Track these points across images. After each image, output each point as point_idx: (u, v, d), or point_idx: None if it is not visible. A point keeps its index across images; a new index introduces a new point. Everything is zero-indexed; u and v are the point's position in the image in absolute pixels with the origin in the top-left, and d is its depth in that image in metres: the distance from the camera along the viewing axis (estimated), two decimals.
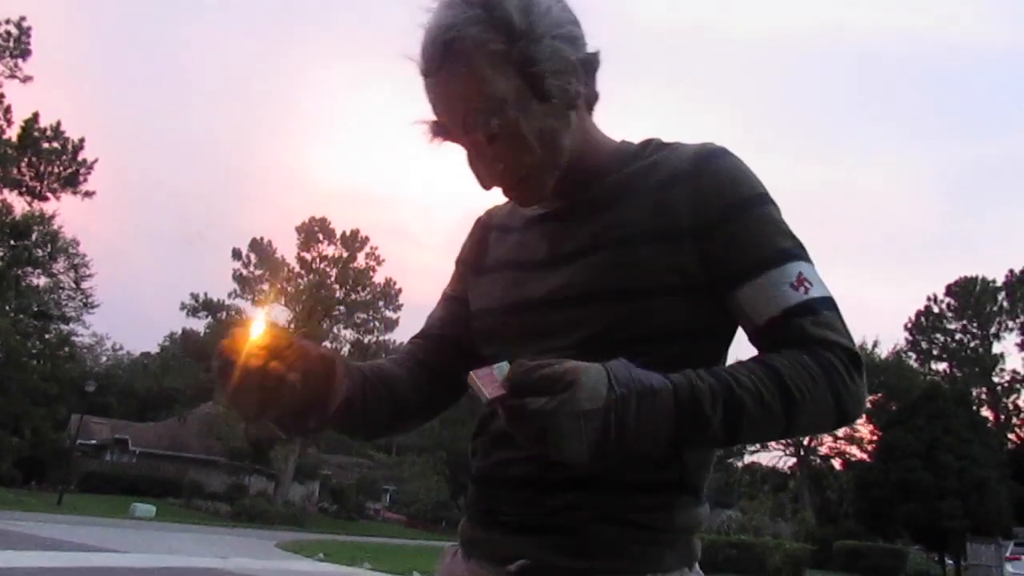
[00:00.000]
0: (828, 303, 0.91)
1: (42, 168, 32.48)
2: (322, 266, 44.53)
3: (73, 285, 38.27)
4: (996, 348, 45.57)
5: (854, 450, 43.56)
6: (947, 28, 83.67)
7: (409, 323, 42.05)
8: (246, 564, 12.48)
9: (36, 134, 31.81)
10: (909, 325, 47.53)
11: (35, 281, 36.28)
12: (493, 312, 1.04)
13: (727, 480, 46.23)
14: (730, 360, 0.99)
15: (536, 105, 0.91)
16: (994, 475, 28.72)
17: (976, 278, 46.80)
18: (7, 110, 30.94)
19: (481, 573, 0.99)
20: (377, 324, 44.58)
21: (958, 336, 46.69)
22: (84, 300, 38.89)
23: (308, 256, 44.60)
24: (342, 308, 45.07)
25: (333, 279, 44.60)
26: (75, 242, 37.37)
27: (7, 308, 32.83)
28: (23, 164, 32.02)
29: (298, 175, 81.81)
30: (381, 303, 44.65)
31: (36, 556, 10.16)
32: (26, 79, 30.71)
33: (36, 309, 35.22)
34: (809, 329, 0.88)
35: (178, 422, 38.98)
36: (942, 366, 47.04)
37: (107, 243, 78.94)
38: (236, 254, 43.60)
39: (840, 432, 44.22)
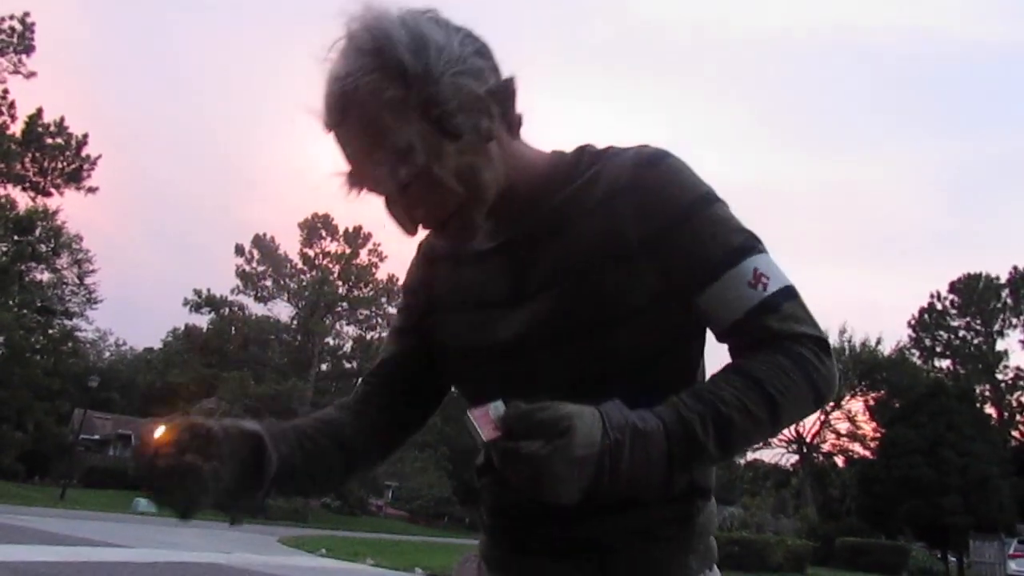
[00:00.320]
0: (787, 293, 0.90)
1: (46, 164, 32.55)
2: (325, 262, 44.59)
3: (76, 280, 38.47)
4: (999, 345, 45.66)
5: (857, 447, 43.55)
6: (950, 26, 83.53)
7: None
8: (249, 559, 12.49)
9: (40, 130, 31.88)
10: (912, 322, 47.55)
11: (39, 276, 36.48)
12: (465, 353, 1.02)
13: (729, 477, 46.28)
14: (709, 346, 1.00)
15: (448, 145, 0.89)
16: (997, 472, 28.69)
17: (980, 275, 46.80)
18: (11, 106, 31.03)
19: None
20: (380, 321, 44.64)
21: (961, 333, 46.67)
22: (87, 295, 39.11)
23: (311, 252, 44.67)
24: (345, 305, 45.13)
25: (336, 275, 44.65)
26: (78, 238, 37.60)
27: (11, 303, 32.93)
28: (27, 160, 32.10)
29: (301, 170, 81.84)
30: (384, 300, 44.70)
31: (39, 550, 10.18)
32: (30, 75, 30.84)
33: (39, 304, 35.34)
34: (775, 326, 0.89)
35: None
36: (945, 363, 47.02)
37: (110, 239, 79.21)
38: (239, 250, 43.71)
39: (843, 429, 44.27)
